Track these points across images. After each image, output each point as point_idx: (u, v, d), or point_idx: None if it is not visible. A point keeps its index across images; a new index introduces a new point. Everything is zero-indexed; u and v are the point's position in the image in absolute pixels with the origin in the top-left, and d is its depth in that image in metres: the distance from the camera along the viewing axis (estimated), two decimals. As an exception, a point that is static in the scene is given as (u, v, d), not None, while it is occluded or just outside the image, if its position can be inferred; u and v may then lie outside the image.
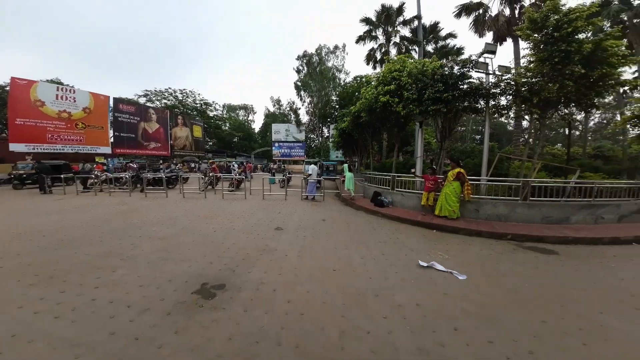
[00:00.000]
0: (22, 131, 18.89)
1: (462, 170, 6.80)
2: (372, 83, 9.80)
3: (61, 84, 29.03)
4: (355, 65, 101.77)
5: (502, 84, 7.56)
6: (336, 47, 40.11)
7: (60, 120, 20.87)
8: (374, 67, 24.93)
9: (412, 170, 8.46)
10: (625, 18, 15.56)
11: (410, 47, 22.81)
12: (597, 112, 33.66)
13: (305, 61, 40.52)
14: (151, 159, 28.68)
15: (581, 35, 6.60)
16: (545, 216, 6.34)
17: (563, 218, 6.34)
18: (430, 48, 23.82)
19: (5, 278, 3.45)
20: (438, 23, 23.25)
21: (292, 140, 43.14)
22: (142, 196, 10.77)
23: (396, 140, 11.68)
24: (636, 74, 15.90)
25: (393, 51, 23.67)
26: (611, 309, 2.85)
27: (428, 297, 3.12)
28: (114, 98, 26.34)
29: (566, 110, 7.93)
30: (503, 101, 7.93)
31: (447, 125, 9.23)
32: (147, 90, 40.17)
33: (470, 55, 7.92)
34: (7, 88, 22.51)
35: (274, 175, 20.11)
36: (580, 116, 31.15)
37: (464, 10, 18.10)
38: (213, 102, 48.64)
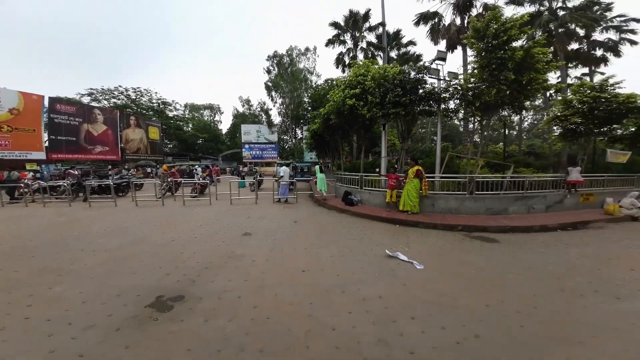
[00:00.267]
0: None
1: (420, 168, 7.31)
2: (340, 86, 9.89)
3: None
4: (326, 68, 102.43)
5: (450, 89, 8.16)
6: (307, 49, 39.88)
7: (-23, 124, 17.64)
8: (343, 71, 25.43)
9: (377, 169, 8.99)
10: (552, 27, 18.26)
11: (375, 53, 23.52)
12: (530, 113, 38.37)
13: (275, 62, 39.70)
14: (98, 165, 25.59)
15: (517, 43, 7.18)
16: (488, 208, 7.02)
17: (502, 209, 7.06)
18: (393, 54, 24.68)
19: None
20: (400, 31, 24.30)
21: (263, 142, 41.46)
22: (85, 206, 9.45)
23: (363, 141, 11.99)
24: (560, 79, 18.72)
25: (360, 56, 24.24)
26: (542, 291, 3.17)
27: (389, 289, 3.24)
28: (50, 98, 22.73)
29: (504, 113, 9.03)
30: (452, 105, 8.58)
31: (406, 128, 9.83)
32: (92, 89, 35.15)
33: (424, 62, 8.62)
34: None
35: (244, 179, 19.46)
36: (516, 117, 35.84)
37: (422, 19, 19.45)
38: (173, 101, 44.32)
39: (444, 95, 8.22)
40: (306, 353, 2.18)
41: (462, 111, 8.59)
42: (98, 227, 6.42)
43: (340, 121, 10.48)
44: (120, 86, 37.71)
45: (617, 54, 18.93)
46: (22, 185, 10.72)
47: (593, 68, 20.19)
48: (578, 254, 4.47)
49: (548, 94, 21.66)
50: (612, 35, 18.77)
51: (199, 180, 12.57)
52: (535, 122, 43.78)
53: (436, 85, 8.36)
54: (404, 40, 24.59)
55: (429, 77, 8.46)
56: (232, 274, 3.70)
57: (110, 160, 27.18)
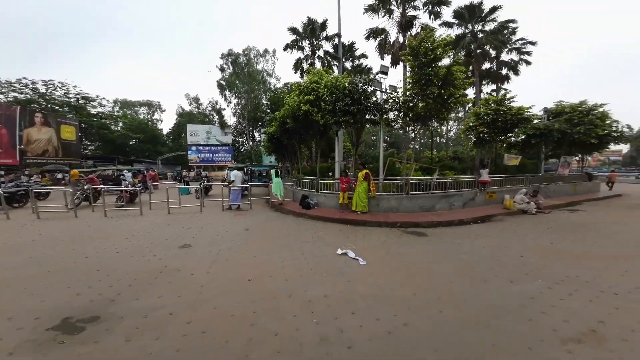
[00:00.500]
0: None
1: (368, 172, 7.89)
2: (295, 91, 9.90)
3: None
4: (286, 72, 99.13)
5: (390, 101, 8.93)
6: (266, 51, 38.63)
7: None
8: (301, 76, 25.41)
9: (330, 173, 9.37)
10: (473, 48, 21.74)
11: (332, 62, 24.23)
12: (455, 123, 44.61)
13: (230, 60, 37.46)
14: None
15: (445, 61, 8.07)
16: (420, 205, 7.93)
17: (431, 206, 8.05)
18: (348, 65, 25.57)
19: None
20: (354, 43, 25.36)
21: (215, 144, 38.15)
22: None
23: (319, 146, 12.17)
24: (475, 95, 22.13)
25: (318, 63, 24.63)
26: (457, 278, 3.62)
27: (335, 287, 3.33)
28: None
29: (433, 123, 10.41)
30: (392, 115, 9.38)
31: (356, 135, 10.41)
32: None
33: (369, 75, 9.29)
34: None
35: (188, 184, 17.28)
36: (444, 127, 41.34)
37: (371, 34, 20.94)
38: (98, 96, 36.83)
39: (386, 106, 8.94)
40: (245, 362, 2.05)
41: (400, 121, 9.51)
42: (-26, 245, 4.98)
43: (297, 125, 10.48)
44: (24, 78, 29.86)
45: (517, 72, 23.22)
46: None
47: (499, 85, 24.12)
48: (484, 243, 5.29)
49: (467, 107, 25.70)
50: (514, 56, 23.11)
51: (127, 187, 10.87)
52: (459, 131, 51.37)
53: (379, 97, 9.05)
54: (357, 53, 25.82)
55: (373, 88, 9.10)
56: (164, 290, 3.28)
57: (4, 164, 21.65)
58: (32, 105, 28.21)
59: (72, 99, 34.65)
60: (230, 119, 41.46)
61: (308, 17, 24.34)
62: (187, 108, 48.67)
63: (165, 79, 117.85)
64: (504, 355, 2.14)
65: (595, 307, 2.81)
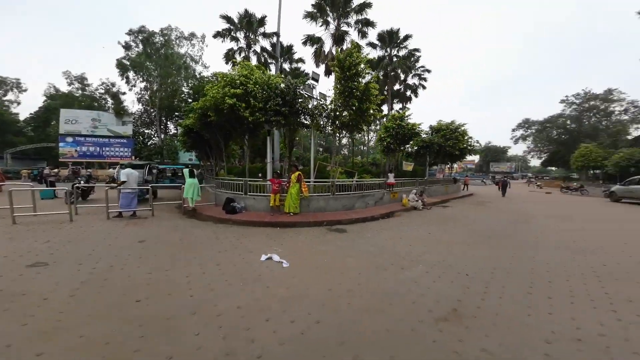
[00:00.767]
0: None
1: (300, 173, 7.80)
2: (220, 82, 8.79)
3: None
4: (217, 62, 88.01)
5: (320, 107, 9.15)
6: (193, 35, 33.23)
7: None
8: (233, 68, 23.24)
9: (259, 174, 8.77)
10: (389, 70, 24.46)
11: (269, 60, 22.82)
12: (374, 134, 49.03)
13: (141, 38, 30.52)
14: None
15: (367, 78, 8.68)
16: (343, 205, 8.50)
17: (352, 205, 8.75)
18: (286, 66, 24.73)
19: None
20: (292, 46, 24.76)
21: (106, 135, 29.47)
22: None
23: (247, 145, 11.14)
24: (389, 111, 25.07)
25: (253, 59, 22.87)
26: (365, 269, 3.91)
27: (251, 295, 3.04)
28: None
29: (359, 134, 11.20)
30: (321, 121, 9.60)
31: (289, 136, 10.19)
32: None
33: (306, 79, 9.17)
34: None
35: (54, 185, 12.65)
36: (366, 137, 45.34)
37: (309, 40, 20.93)
38: None
39: (316, 112, 9.09)
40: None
41: (330, 128, 9.83)
42: None
43: (221, 120, 9.30)
44: None
45: (416, 94, 27.68)
46: None
47: (404, 104, 28.05)
48: (387, 236, 6.05)
49: (382, 121, 29.03)
50: (416, 80, 27.42)
51: None
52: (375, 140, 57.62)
53: (310, 102, 9.17)
54: (296, 56, 25.36)
55: (305, 93, 9.07)
56: (-2, 319, 2.31)
57: None
58: None
59: None
60: (134, 106, 33.81)
61: (246, 9, 22.46)
62: (65, 88, 36.87)
63: (33, 51, 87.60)
64: (395, 339, 2.32)
65: (455, 287, 3.42)
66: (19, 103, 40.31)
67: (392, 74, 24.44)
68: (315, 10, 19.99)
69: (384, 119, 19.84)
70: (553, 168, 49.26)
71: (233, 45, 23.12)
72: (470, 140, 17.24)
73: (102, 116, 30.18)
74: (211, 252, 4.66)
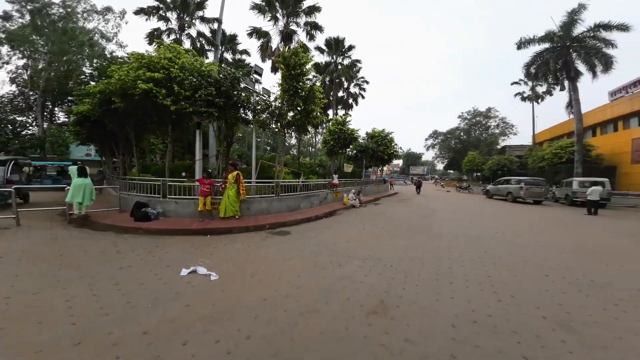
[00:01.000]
0: None
1: (239, 173, 6.94)
2: (134, 63, 7.10)
3: None
4: (140, 42, 68.53)
5: (262, 103, 8.48)
6: (108, 9, 26.30)
7: None
8: (156, 50, 19.37)
9: (183, 174, 7.35)
10: (335, 76, 25.01)
11: (207, 48, 19.84)
12: (322, 136, 49.44)
13: (31, 7, 22.28)
14: None
15: (313, 79, 8.44)
16: (289, 206, 8.13)
17: (297, 206, 8.48)
18: (229, 57, 22.34)
19: None
20: (237, 36, 22.37)
21: None
22: None
23: (170, 139, 9.35)
24: (334, 115, 25.85)
25: (187, 43, 19.49)
26: (307, 270, 3.75)
27: (164, 316, 2.47)
28: None
29: (308, 135, 10.94)
30: (264, 117, 8.90)
31: (227, 131, 9.13)
32: None
33: (242, 70, 8.34)
34: None
35: None
36: (315, 138, 45.43)
37: (255, 33, 19.34)
38: None
39: (258, 107, 8.42)
40: None
41: (274, 125, 9.30)
42: None
43: (130, 107, 7.46)
44: None
45: (357, 103, 29.57)
46: None
47: (347, 110, 29.49)
48: (328, 234, 6.06)
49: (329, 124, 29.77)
50: (357, 89, 29.15)
51: None
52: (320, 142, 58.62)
53: (253, 97, 8.40)
54: (241, 47, 23.06)
55: (246, 86, 8.27)
56: None
57: None
58: None
59: None
60: (3, 87, 25.22)
61: (182, -12, 18.84)
62: None
63: None
64: (329, 340, 2.22)
65: (382, 279, 3.62)
66: None
67: (337, 80, 25.40)
68: (263, 4, 18.77)
69: (329, 123, 20.53)
70: (451, 171, 60.34)
71: (161, 25, 19.23)
72: (395, 146, 19.37)
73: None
74: (108, 269, 3.65)
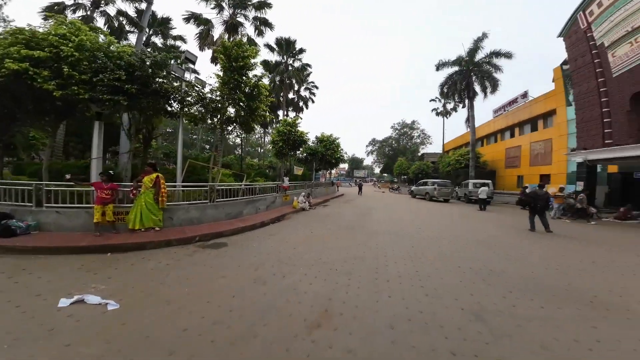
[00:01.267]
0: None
1: (160, 176, 5.65)
2: (6, 39, 5.10)
3: None
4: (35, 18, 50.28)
5: (193, 94, 7.23)
6: None
7: None
8: (51, 27, 14.48)
9: (67, 176, 5.42)
10: (285, 77, 24.01)
11: (129, 29, 16.13)
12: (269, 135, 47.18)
13: None
14: None
15: (256, 73, 7.60)
16: (227, 213, 7.07)
17: (239, 212, 7.49)
18: (158, 41, 18.76)
19: None
20: (171, 20, 18.83)
21: None
22: None
23: (53, 133, 7.09)
24: (284, 116, 24.91)
25: (100, 22, 15.43)
26: (244, 288, 3.22)
27: None
28: None
29: (251, 133, 9.67)
30: (194, 110, 7.56)
31: (145, 124, 7.42)
32: None
33: (167, 55, 6.87)
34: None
35: None
36: (266, 139, 43.00)
37: (193, 18, 16.75)
38: None
39: (188, 99, 7.12)
40: None
41: (210, 121, 8.02)
42: None
43: None
44: None
45: (307, 106, 29.53)
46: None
47: (298, 113, 29.09)
48: (274, 241, 5.56)
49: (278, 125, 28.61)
50: (307, 93, 29.10)
51: None
52: (268, 143, 56.03)
53: (182, 86, 7.05)
54: (175, 32, 19.56)
55: (172, 74, 6.88)
56: None
57: None
58: None
59: None
60: None
61: (97, -43, 14.80)
62: None
63: None
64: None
65: (327, 285, 3.42)
66: None
67: (288, 82, 24.79)
68: (206, -14, 16.59)
69: (278, 124, 19.87)
70: (386, 174, 67.85)
71: (66, -1, 14.86)
72: (342, 151, 20.23)
73: None
74: None
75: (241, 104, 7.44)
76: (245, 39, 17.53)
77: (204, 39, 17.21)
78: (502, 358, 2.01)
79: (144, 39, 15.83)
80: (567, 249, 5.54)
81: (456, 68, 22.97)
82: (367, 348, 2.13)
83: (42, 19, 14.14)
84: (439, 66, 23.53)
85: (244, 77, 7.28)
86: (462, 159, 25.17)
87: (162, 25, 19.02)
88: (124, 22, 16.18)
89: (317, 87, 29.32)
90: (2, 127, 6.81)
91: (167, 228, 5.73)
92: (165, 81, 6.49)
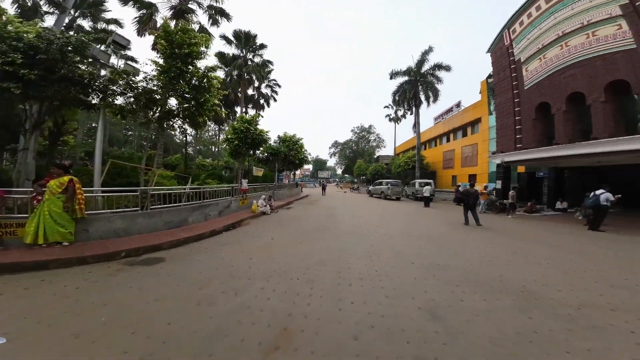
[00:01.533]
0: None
1: (73, 178, 4.50)
2: None
3: None
4: None
5: (121, 82, 6.02)
6: None
7: None
8: None
9: None
10: (244, 71, 22.15)
11: (47, 10, 12.70)
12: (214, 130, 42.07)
13: None
14: None
15: (208, 64, 6.83)
16: (167, 222, 5.99)
17: (182, 220, 6.42)
18: (87, 24, 15.63)
19: None
20: (105, 1, 15.70)
21: None
22: None
23: None
24: (242, 113, 23.10)
25: (7, 2, 11.85)
26: (182, 313, 2.67)
27: None
28: None
29: (200, 130, 8.39)
30: (120, 101, 6.32)
31: (49, 115, 5.80)
32: None
33: (84, 35, 5.53)
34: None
35: None
36: (218, 135, 38.86)
37: (132, 0, 14.15)
38: None
39: (113, 87, 5.90)
40: None
41: (143, 115, 6.68)
42: None
43: None
44: None
45: (268, 104, 28.29)
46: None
47: (258, 110, 27.69)
48: (227, 253, 4.83)
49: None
50: (269, 91, 27.79)
51: None
52: (221, 141, 51.43)
53: (104, 73, 5.84)
54: (107, 16, 16.36)
55: (97, 58, 5.64)
56: None
57: None
58: None
59: None
60: None
61: None
62: None
63: None
64: None
65: (287, 297, 3.09)
66: None
67: (247, 77, 23.25)
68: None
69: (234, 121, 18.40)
70: (347, 175, 70.85)
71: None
72: (305, 152, 20.04)
73: None
74: None
75: (186, 95, 6.46)
76: (197, 27, 15.73)
77: (145, 23, 14.82)
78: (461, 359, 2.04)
79: (67, 21, 12.90)
80: (494, 242, 6.39)
81: (406, 78, 25.41)
82: (329, 366, 1.91)
83: None
84: (392, 75, 25.66)
85: (190, 67, 6.39)
86: (409, 161, 28.03)
87: (94, 7, 15.82)
88: (40, 2, 12.81)
89: (279, 86, 28.48)
90: None
91: (81, 242, 4.56)
92: (83, 67, 5.26)
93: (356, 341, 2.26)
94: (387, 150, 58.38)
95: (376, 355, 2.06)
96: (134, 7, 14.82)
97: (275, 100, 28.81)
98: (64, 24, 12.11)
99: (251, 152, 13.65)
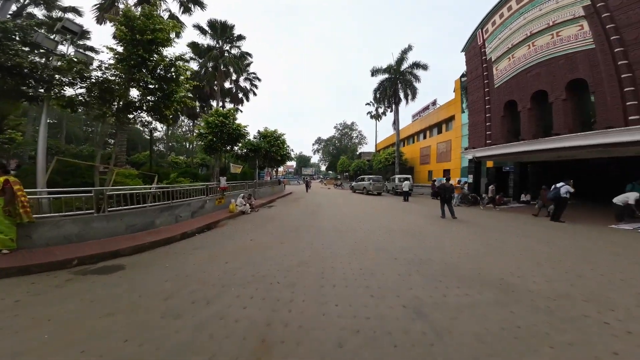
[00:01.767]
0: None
1: (10, 179, 3.87)
2: None
3: None
4: None
5: (72, 72, 5.22)
6: None
7: None
8: None
9: None
10: (220, 63, 20.64)
11: None
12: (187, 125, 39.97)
13: None
14: None
15: (169, 51, 6.19)
16: (129, 225, 5.35)
17: (149, 223, 5.82)
18: (39, 13, 13.93)
19: None
20: None
21: None
22: None
23: None
24: (213, 108, 21.71)
25: None
26: (142, 330, 2.29)
27: None
28: None
29: (169, 124, 7.41)
30: (69, 93, 5.52)
31: None
32: None
33: (28, 21, 4.71)
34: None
35: None
36: (193, 131, 36.38)
37: None
38: None
39: (60, 77, 5.12)
40: None
41: (97, 107, 5.84)
42: None
43: None
44: None
45: (247, 98, 26.93)
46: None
47: (236, 105, 26.15)
48: (198, 258, 4.43)
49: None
50: (248, 84, 26.44)
51: None
52: (193, 136, 48.43)
53: (48, 62, 5.01)
54: (65, 3, 14.69)
55: (42, 45, 4.85)
56: None
57: None
58: None
59: None
60: None
61: None
62: None
63: None
64: None
65: (266, 305, 2.83)
66: None
67: (224, 69, 21.87)
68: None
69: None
70: (331, 172, 71.21)
71: None
72: (288, 148, 19.51)
73: None
74: None
75: (150, 86, 5.77)
76: (166, 15, 14.39)
77: (106, 10, 13.16)
78: None
79: (15, 8, 11.10)
80: (469, 234, 6.63)
81: (387, 75, 25.80)
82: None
83: None
84: (374, 72, 25.91)
85: (155, 55, 5.72)
86: (390, 157, 28.79)
87: (42, -7, 13.64)
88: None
89: (259, 79, 27.30)
90: None
91: (24, 249, 3.94)
92: (21, 54, 4.52)
93: (341, 349, 2.10)
94: (368, 147, 59.51)
95: (362, 363, 1.91)
96: (93, -5, 13.15)
97: (255, 94, 27.61)
98: (10, 12, 10.38)
99: (228, 147, 12.81)
